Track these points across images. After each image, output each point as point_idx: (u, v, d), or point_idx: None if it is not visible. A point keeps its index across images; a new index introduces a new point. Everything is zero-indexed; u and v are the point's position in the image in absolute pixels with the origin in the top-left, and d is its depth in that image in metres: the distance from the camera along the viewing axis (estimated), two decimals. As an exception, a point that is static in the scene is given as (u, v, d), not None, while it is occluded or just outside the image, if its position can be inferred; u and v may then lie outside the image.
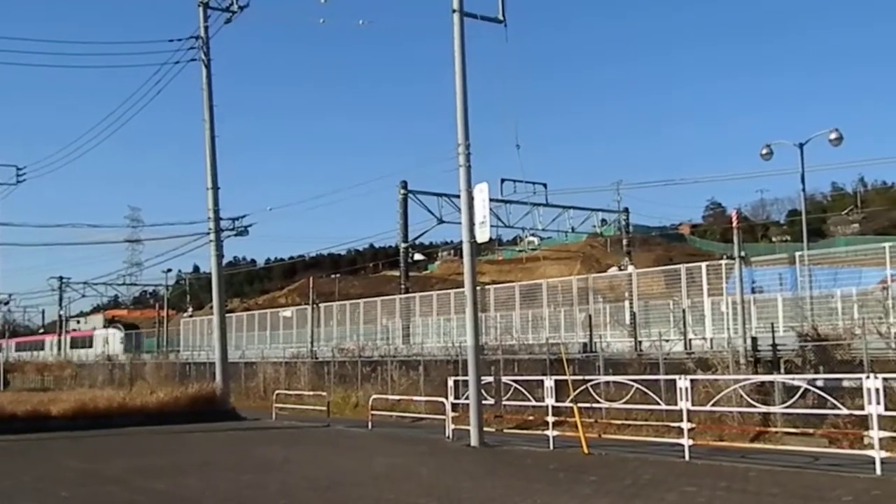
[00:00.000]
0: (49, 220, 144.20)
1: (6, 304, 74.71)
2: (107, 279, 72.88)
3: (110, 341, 63.46)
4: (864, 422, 12.65)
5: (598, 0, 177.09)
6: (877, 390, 11.60)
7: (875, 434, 11.60)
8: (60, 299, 71.78)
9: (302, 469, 13.64)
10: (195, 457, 15.60)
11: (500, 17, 17.77)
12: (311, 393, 28.70)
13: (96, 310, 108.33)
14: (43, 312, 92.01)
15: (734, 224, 22.18)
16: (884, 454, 11.49)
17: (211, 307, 36.85)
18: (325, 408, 25.62)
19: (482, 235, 17.08)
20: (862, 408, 12.10)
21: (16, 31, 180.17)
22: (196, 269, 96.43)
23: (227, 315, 33.80)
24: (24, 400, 23.97)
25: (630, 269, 36.66)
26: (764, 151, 32.36)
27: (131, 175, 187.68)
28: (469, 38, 17.22)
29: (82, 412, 22.15)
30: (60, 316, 73.30)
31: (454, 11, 17.15)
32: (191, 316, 68.80)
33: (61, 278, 71.65)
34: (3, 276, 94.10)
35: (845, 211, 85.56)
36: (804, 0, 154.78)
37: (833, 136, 30.35)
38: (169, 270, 71.08)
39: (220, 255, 27.70)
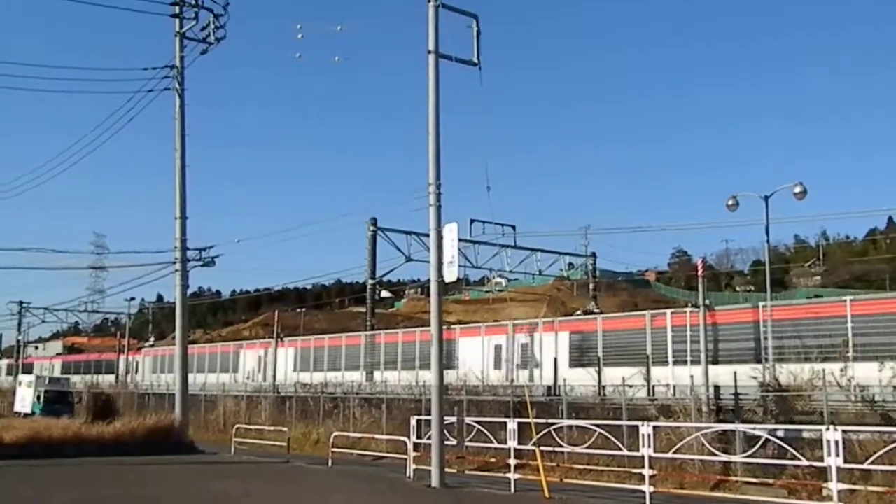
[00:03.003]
0: (11, 244, 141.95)
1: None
2: (68, 305, 71.54)
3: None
4: (822, 473, 12.75)
5: (571, 42, 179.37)
6: (836, 442, 11.72)
7: (834, 486, 11.70)
8: (20, 324, 70.37)
9: (259, 505, 13.41)
10: (150, 490, 15.27)
11: (475, 60, 17.95)
12: (272, 428, 28.27)
13: (55, 336, 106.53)
14: (0, 337, 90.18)
15: (699, 272, 22.48)
16: (841, 506, 11.58)
17: (173, 337, 36.35)
18: (285, 443, 25.25)
19: (450, 275, 17.09)
20: (821, 459, 12.20)
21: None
22: (160, 298, 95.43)
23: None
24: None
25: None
26: (730, 202, 32.75)
27: (98, 201, 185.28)
28: (443, 77, 17.42)
29: (36, 440, 21.66)
30: (18, 341, 71.82)
31: (430, 52, 17.33)
32: (152, 346, 67.77)
33: (21, 303, 70.31)
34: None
35: (807, 263, 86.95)
36: (770, 52, 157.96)
37: (798, 189, 30.82)
38: (132, 299, 69.99)
39: (185, 286, 27.38)
